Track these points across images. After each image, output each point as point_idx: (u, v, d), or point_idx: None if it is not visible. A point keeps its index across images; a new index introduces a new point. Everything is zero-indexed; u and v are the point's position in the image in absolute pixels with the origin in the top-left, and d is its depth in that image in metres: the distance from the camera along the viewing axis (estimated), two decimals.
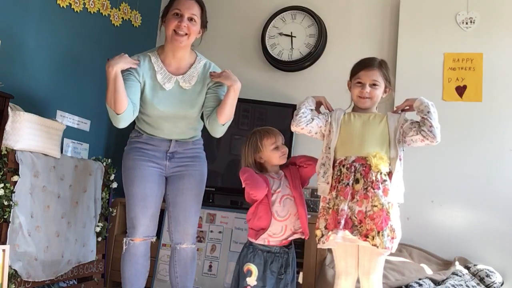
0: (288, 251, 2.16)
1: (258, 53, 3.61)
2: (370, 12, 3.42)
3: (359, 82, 2.06)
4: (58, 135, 2.53)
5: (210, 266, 2.91)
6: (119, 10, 3.29)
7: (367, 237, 1.84)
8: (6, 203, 2.17)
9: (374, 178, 1.89)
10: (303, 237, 2.16)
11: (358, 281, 2.00)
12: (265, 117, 3.29)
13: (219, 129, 2.24)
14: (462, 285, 2.47)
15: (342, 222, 1.87)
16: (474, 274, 2.65)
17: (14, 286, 2.20)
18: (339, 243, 1.95)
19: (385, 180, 1.90)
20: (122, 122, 2.15)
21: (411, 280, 2.47)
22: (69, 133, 2.82)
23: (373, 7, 3.43)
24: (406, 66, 3.17)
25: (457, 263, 2.72)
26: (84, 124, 3.02)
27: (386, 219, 1.84)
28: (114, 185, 2.94)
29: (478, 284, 2.58)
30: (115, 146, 3.26)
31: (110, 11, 3.20)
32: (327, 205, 1.97)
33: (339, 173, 1.97)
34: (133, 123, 2.26)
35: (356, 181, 1.92)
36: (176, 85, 2.23)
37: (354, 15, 3.46)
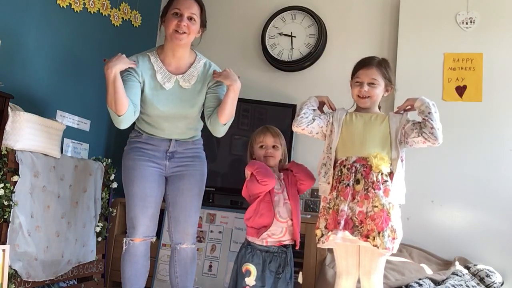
0: (286, 251, 2.16)
1: (258, 53, 3.61)
2: (370, 12, 3.43)
3: (358, 82, 2.07)
4: (58, 135, 2.53)
5: (210, 266, 2.91)
6: (119, 10, 3.29)
7: (368, 238, 1.84)
8: (6, 203, 2.17)
9: (374, 178, 1.89)
10: (293, 243, 2.18)
11: (358, 281, 2.00)
12: (265, 117, 3.29)
13: (220, 129, 2.24)
14: (462, 285, 2.47)
15: (342, 222, 1.87)
16: (474, 274, 2.65)
17: (14, 286, 2.20)
18: (339, 243, 1.95)
19: (386, 181, 1.90)
20: (124, 123, 2.15)
21: (411, 280, 2.47)
22: (69, 133, 2.82)
23: (373, 7, 3.43)
24: (406, 66, 3.17)
25: (457, 263, 2.72)
26: (84, 124, 3.02)
27: (387, 219, 1.84)
28: (114, 185, 2.94)
29: (478, 284, 2.58)
30: (115, 146, 3.26)
31: (110, 11, 3.20)
32: (328, 205, 1.97)
33: (339, 174, 1.97)
34: (133, 123, 2.26)
35: (357, 181, 1.92)
36: (176, 85, 2.23)
37: (354, 15, 3.46)
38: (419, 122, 1.98)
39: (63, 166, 2.54)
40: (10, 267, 2.15)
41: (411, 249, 2.87)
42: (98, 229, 2.80)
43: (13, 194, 2.21)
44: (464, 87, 3.07)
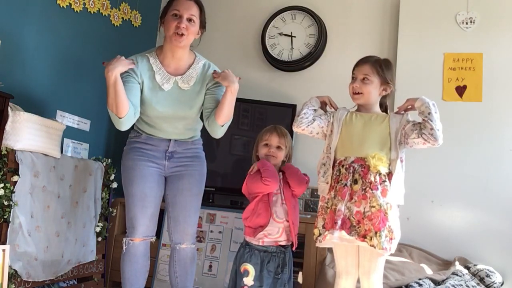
0: (284, 251, 2.17)
1: (258, 53, 3.61)
2: (370, 12, 3.42)
3: (352, 77, 2.09)
4: (58, 135, 2.53)
5: (210, 266, 2.91)
6: (119, 10, 3.29)
7: (365, 238, 1.84)
8: (6, 203, 2.17)
9: (372, 179, 1.88)
10: (289, 244, 2.18)
11: (358, 281, 2.00)
12: (265, 117, 3.29)
13: (218, 130, 2.24)
14: (462, 285, 2.47)
15: (339, 222, 1.87)
16: (474, 274, 2.65)
17: (14, 286, 2.20)
18: (338, 243, 1.95)
19: (384, 181, 1.90)
20: (124, 125, 2.15)
21: (411, 280, 2.47)
22: (69, 133, 2.82)
23: (373, 7, 3.43)
24: (406, 66, 3.17)
25: (457, 263, 2.72)
26: (84, 124, 3.02)
27: (384, 219, 1.84)
28: (114, 185, 2.94)
29: (478, 284, 2.58)
30: (115, 146, 3.26)
31: (110, 11, 3.20)
32: (326, 204, 1.98)
33: (338, 173, 1.97)
34: None
35: (355, 181, 1.92)
36: (175, 86, 2.23)
37: (354, 15, 3.46)
38: (419, 123, 1.97)
39: (63, 166, 2.54)
40: (10, 267, 2.15)
41: (411, 249, 2.87)
42: (98, 229, 2.80)
43: (13, 194, 2.20)
44: (464, 87, 3.07)
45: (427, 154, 2.87)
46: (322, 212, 1.98)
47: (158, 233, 2.46)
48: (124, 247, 2.22)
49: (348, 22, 3.46)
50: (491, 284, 2.59)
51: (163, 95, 2.21)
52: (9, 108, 2.26)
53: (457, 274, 2.60)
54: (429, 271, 2.61)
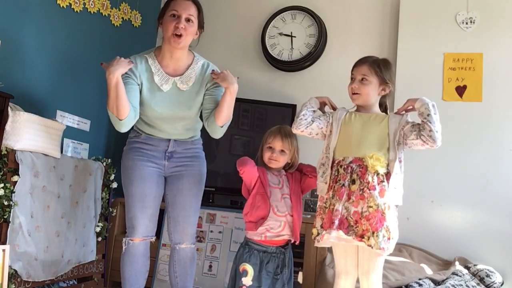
0: (284, 251, 2.16)
1: (258, 53, 3.61)
2: (370, 12, 3.42)
3: (351, 78, 2.09)
4: (58, 135, 2.53)
5: (210, 266, 2.91)
6: (119, 10, 3.29)
7: (363, 238, 1.84)
8: (6, 203, 2.17)
9: (370, 179, 1.88)
10: (293, 240, 2.18)
11: (358, 281, 2.00)
12: (265, 117, 3.29)
13: (218, 131, 2.24)
14: (462, 285, 2.47)
15: (336, 222, 1.87)
16: (474, 274, 2.65)
17: (14, 286, 2.20)
18: (337, 243, 1.95)
19: (382, 181, 1.89)
20: (125, 127, 2.15)
21: (411, 280, 2.47)
22: (69, 133, 2.82)
23: (373, 7, 3.43)
24: (406, 66, 3.17)
25: (457, 263, 2.72)
26: (84, 124, 3.02)
27: (381, 219, 1.84)
28: (114, 185, 2.94)
29: (478, 284, 2.57)
30: (115, 146, 3.26)
31: (110, 11, 3.20)
32: (324, 204, 1.98)
33: (336, 174, 1.98)
34: None
35: (353, 181, 1.92)
36: (173, 87, 2.23)
37: (354, 15, 3.46)
38: (418, 124, 1.97)
39: (63, 166, 2.54)
40: (10, 267, 2.15)
41: (411, 249, 2.87)
42: (98, 229, 2.81)
43: (13, 194, 2.21)
44: (464, 87, 3.07)
45: (427, 154, 2.86)
46: (320, 212, 1.99)
47: (158, 233, 2.46)
48: (124, 247, 2.22)
49: (348, 22, 3.46)
50: (491, 284, 2.59)
51: (162, 96, 2.21)
52: (9, 108, 2.26)
53: (457, 274, 2.60)
54: (429, 271, 2.61)
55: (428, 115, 1.92)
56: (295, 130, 2.10)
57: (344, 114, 2.09)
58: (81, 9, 2.94)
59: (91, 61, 3.02)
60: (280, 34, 3.53)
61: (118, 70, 2.06)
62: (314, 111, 2.12)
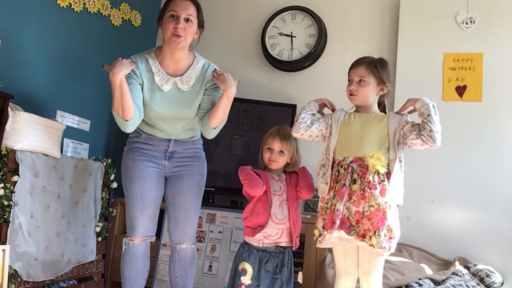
0: (284, 251, 2.16)
1: (258, 53, 3.61)
2: (370, 12, 3.42)
3: (348, 80, 2.09)
4: (58, 135, 2.53)
5: (210, 266, 2.91)
6: (119, 10, 3.29)
7: (364, 237, 1.84)
8: (6, 203, 2.17)
9: (371, 178, 1.89)
10: (291, 245, 2.18)
11: (358, 281, 2.00)
12: (265, 117, 3.29)
13: (211, 132, 2.24)
14: (462, 285, 2.47)
15: (337, 222, 1.87)
16: (474, 274, 2.65)
17: (14, 286, 2.20)
18: (338, 243, 1.95)
19: (383, 180, 1.90)
20: (131, 127, 2.16)
21: (411, 280, 2.47)
22: (69, 133, 2.82)
23: (373, 7, 3.43)
24: (406, 66, 3.17)
25: (457, 263, 2.72)
26: (84, 124, 3.02)
27: (383, 219, 1.84)
28: (114, 185, 2.94)
29: (478, 284, 2.57)
30: (115, 146, 3.26)
31: (110, 11, 3.20)
32: (325, 205, 1.98)
33: (337, 174, 1.98)
34: None
35: (353, 181, 1.92)
36: (174, 87, 2.23)
37: (354, 15, 3.46)
38: (418, 124, 1.98)
39: (63, 166, 2.54)
40: (10, 267, 2.15)
41: (411, 249, 2.87)
42: (98, 229, 2.81)
43: (13, 194, 2.20)
44: (464, 87, 3.07)
45: (427, 154, 2.86)
46: (322, 213, 1.99)
47: (158, 233, 2.46)
48: (124, 247, 2.22)
49: (348, 22, 3.46)
50: (491, 284, 2.59)
51: (162, 96, 2.21)
52: (9, 108, 2.25)
53: (457, 274, 2.60)
54: (429, 271, 2.61)
55: (429, 115, 1.93)
56: (295, 133, 2.11)
57: (343, 115, 2.09)
58: (81, 9, 2.94)
59: (91, 61, 3.02)
60: (280, 34, 3.53)
61: (122, 71, 2.07)
62: (313, 114, 2.12)
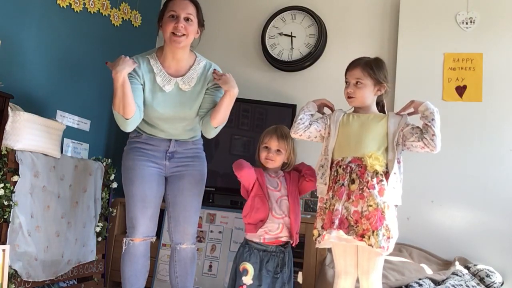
0: (284, 250, 2.17)
1: (258, 53, 3.61)
2: (370, 12, 3.42)
3: (346, 82, 2.09)
4: (58, 135, 2.53)
5: (210, 266, 2.91)
6: (119, 10, 3.29)
7: (363, 237, 1.84)
8: (6, 203, 2.17)
9: (369, 178, 1.89)
10: (291, 241, 2.18)
11: (358, 281, 2.00)
12: (265, 117, 3.29)
13: (211, 131, 2.24)
14: (462, 285, 2.47)
15: (336, 222, 1.88)
16: (474, 274, 2.65)
17: (14, 286, 2.20)
18: (337, 243, 1.95)
19: (381, 180, 1.90)
20: (130, 126, 2.15)
21: (411, 280, 2.47)
22: (69, 133, 2.82)
23: (373, 7, 3.43)
24: (406, 66, 3.17)
25: (457, 263, 2.72)
26: (84, 124, 3.02)
27: (381, 218, 1.84)
28: (114, 185, 2.94)
29: (478, 284, 2.58)
30: (115, 146, 3.26)
31: (110, 11, 3.20)
32: (324, 205, 1.98)
33: (335, 174, 1.98)
34: None
35: (352, 181, 1.92)
36: (175, 87, 2.22)
37: (354, 15, 3.46)
38: (418, 127, 1.98)
39: (63, 166, 2.54)
40: (10, 267, 2.15)
41: (411, 249, 2.87)
42: (98, 229, 2.81)
43: (13, 194, 2.21)
44: (464, 87, 3.07)
45: (427, 155, 2.82)
46: (321, 213, 1.99)
47: (158, 233, 2.46)
48: (124, 247, 2.22)
49: (348, 22, 3.46)
50: (491, 284, 2.59)
51: (164, 96, 2.21)
52: (9, 108, 2.26)
53: (457, 274, 2.60)
54: (429, 271, 2.61)
55: (433, 119, 1.94)
56: (293, 134, 2.11)
57: (342, 116, 2.09)
58: (81, 9, 2.94)
59: (91, 61, 3.02)
60: (280, 34, 3.53)
61: (125, 69, 2.06)
62: (311, 114, 2.12)
